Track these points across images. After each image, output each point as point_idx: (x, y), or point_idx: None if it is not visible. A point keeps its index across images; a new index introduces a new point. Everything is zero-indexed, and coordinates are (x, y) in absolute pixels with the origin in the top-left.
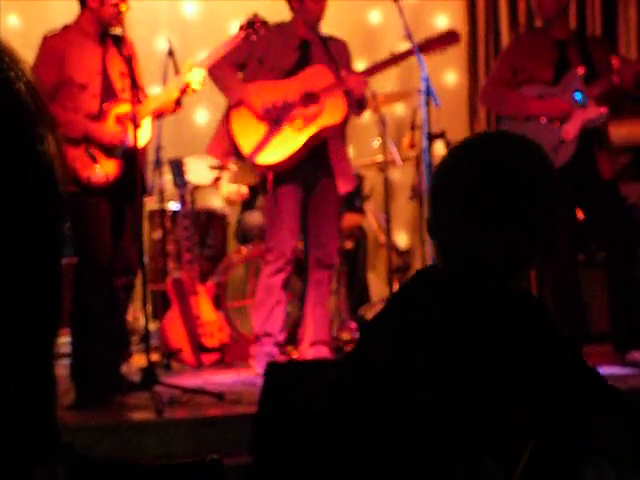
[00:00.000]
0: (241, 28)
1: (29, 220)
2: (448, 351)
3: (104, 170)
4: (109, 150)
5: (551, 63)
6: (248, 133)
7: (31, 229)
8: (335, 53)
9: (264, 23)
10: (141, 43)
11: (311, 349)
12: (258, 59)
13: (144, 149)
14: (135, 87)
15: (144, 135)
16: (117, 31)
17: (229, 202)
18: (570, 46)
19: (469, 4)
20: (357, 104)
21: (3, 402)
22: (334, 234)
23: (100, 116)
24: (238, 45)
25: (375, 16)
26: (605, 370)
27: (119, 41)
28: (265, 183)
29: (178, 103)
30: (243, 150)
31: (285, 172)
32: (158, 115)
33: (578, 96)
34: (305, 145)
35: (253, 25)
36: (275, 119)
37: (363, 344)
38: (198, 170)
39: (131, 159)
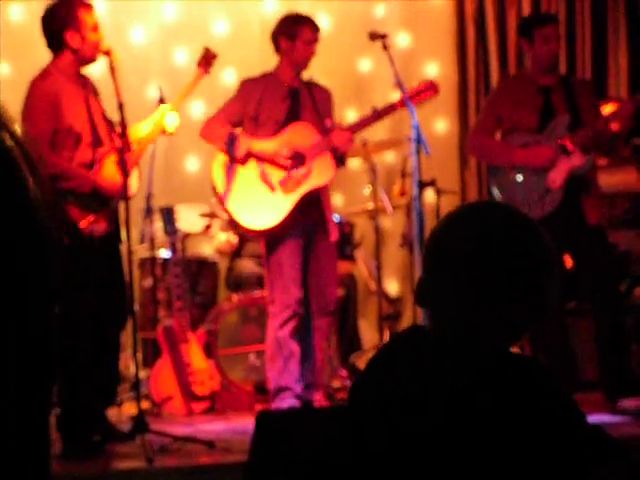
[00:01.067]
0: (199, 65)
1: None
2: (438, 413)
3: (103, 222)
4: (106, 201)
5: (535, 110)
6: (244, 198)
7: (18, 276)
8: (320, 100)
9: (214, 56)
10: (132, 91)
11: (307, 391)
12: (252, 117)
13: None
14: (124, 133)
15: (133, 184)
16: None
17: (220, 252)
18: (555, 92)
19: (459, 51)
20: (339, 159)
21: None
22: (333, 282)
23: (94, 166)
24: (231, 104)
25: (365, 64)
26: (596, 418)
27: (90, 83)
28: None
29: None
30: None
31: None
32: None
33: (566, 147)
34: (295, 208)
35: (207, 60)
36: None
37: (353, 399)
38: (189, 218)
39: (116, 208)
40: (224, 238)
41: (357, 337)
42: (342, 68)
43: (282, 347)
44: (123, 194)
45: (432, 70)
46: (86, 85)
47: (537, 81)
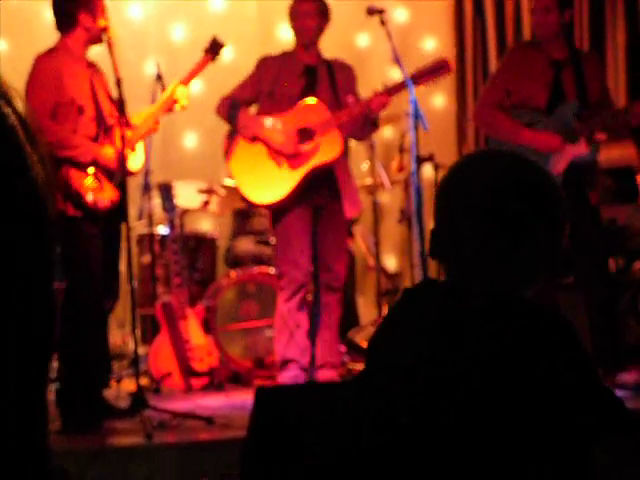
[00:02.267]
0: (206, 52)
1: (20, 246)
2: (459, 364)
3: (109, 195)
4: (111, 175)
5: (546, 86)
6: (251, 172)
7: (22, 255)
8: (340, 78)
9: (222, 45)
10: (129, 67)
11: (319, 372)
12: (267, 93)
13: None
14: (123, 109)
15: (139, 159)
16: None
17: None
18: (565, 67)
19: (457, 27)
20: (373, 123)
21: None
22: (342, 257)
23: (97, 141)
24: (247, 81)
25: (363, 39)
26: None
27: (95, 65)
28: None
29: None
30: (247, 194)
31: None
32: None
33: (572, 134)
34: (300, 183)
35: (213, 49)
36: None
37: (370, 359)
38: (187, 194)
39: (123, 185)
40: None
41: (355, 313)
42: (340, 43)
43: (288, 320)
44: (124, 169)
45: (430, 45)
46: (91, 66)
47: (549, 53)
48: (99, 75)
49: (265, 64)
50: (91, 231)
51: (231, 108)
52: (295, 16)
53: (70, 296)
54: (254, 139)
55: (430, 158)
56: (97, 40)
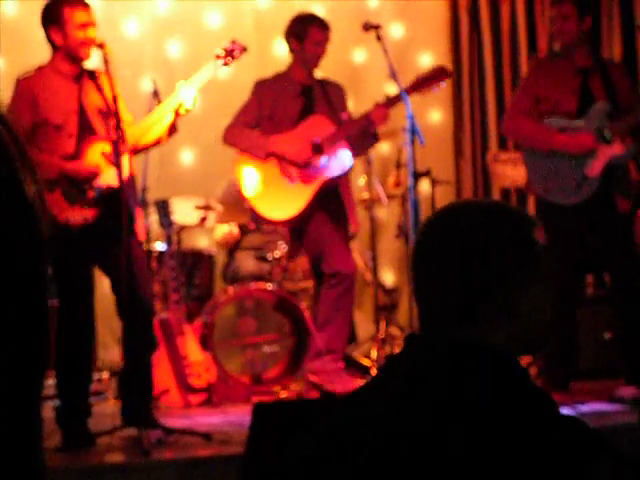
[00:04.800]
0: (217, 57)
1: (14, 260)
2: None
3: (82, 212)
4: (85, 191)
5: (574, 93)
6: (265, 190)
7: (16, 270)
8: (334, 96)
9: (244, 49)
10: (125, 84)
11: (324, 358)
12: (268, 117)
13: (131, 188)
14: (118, 126)
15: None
16: (92, 66)
17: (224, 245)
18: (592, 74)
19: (453, 42)
20: (373, 136)
21: None
22: (343, 244)
23: (76, 156)
24: (247, 107)
25: (359, 55)
26: (593, 407)
27: (95, 77)
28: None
29: (174, 127)
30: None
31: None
32: (156, 143)
33: (605, 134)
34: (314, 197)
35: (231, 52)
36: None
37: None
38: (184, 210)
39: (114, 200)
40: (226, 230)
41: (353, 328)
42: (337, 59)
43: (338, 312)
44: (122, 186)
45: (426, 61)
46: (81, 81)
47: (575, 62)
48: (97, 89)
49: (262, 88)
50: (68, 249)
51: (240, 134)
52: (309, 42)
53: (60, 314)
54: (267, 157)
55: (427, 173)
56: (77, 57)
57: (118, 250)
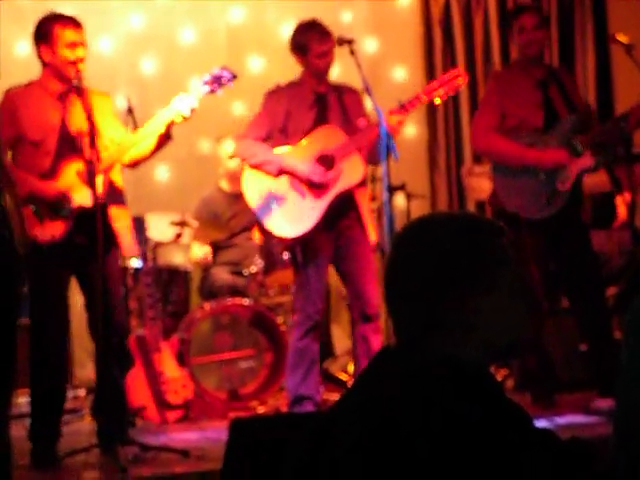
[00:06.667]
0: (205, 83)
1: None
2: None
3: (50, 230)
4: (55, 209)
5: (539, 107)
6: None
7: None
8: (349, 103)
9: (234, 77)
10: None
11: None
12: (280, 129)
13: (120, 204)
14: (93, 144)
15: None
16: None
17: (200, 265)
18: (550, 85)
19: (427, 56)
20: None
21: None
22: (373, 283)
23: (52, 174)
24: (258, 120)
25: (333, 69)
26: (570, 419)
27: (83, 94)
28: (293, 252)
29: (168, 136)
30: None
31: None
32: (150, 155)
33: (577, 147)
34: (326, 212)
35: (219, 79)
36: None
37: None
38: (159, 227)
39: (88, 218)
40: (201, 253)
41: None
42: None
43: (304, 356)
44: (97, 202)
45: (400, 75)
46: (67, 99)
47: (532, 74)
48: (83, 107)
49: (273, 99)
50: (38, 267)
51: (251, 148)
52: (312, 55)
53: (31, 331)
54: (279, 173)
55: (402, 187)
56: (66, 74)
57: (94, 269)
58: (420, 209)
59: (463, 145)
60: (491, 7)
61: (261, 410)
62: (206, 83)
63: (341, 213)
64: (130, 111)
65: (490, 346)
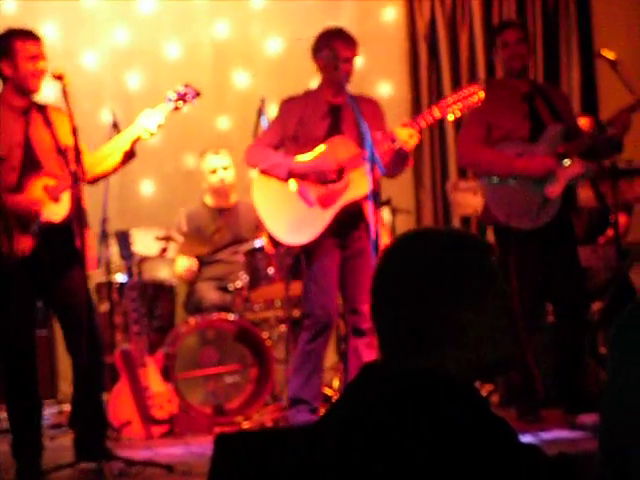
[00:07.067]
0: (170, 100)
1: None
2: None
3: (19, 245)
4: (24, 225)
5: (525, 118)
6: (281, 214)
7: None
8: (367, 114)
9: (197, 94)
10: (85, 115)
11: None
12: (291, 137)
13: (85, 222)
14: (64, 159)
15: (61, 210)
16: (50, 98)
17: (184, 280)
18: (535, 98)
19: (412, 71)
20: (404, 158)
21: None
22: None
23: (18, 189)
24: (271, 127)
25: (313, 81)
26: (555, 434)
27: (45, 112)
28: (297, 259)
29: (132, 153)
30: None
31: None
32: (113, 171)
33: (564, 154)
34: (332, 222)
35: (183, 97)
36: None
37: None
38: (144, 241)
39: (55, 234)
40: (185, 266)
41: None
42: (295, 88)
43: (308, 361)
44: (79, 218)
45: (385, 90)
46: (29, 114)
47: (518, 88)
48: (44, 123)
49: (288, 106)
50: (6, 282)
51: (260, 153)
52: (336, 60)
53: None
54: (289, 177)
55: (387, 202)
56: (27, 89)
57: (63, 286)
58: (405, 224)
59: (448, 160)
60: (476, 23)
61: (246, 425)
62: (171, 100)
63: (352, 223)
64: (115, 126)
65: (475, 362)
